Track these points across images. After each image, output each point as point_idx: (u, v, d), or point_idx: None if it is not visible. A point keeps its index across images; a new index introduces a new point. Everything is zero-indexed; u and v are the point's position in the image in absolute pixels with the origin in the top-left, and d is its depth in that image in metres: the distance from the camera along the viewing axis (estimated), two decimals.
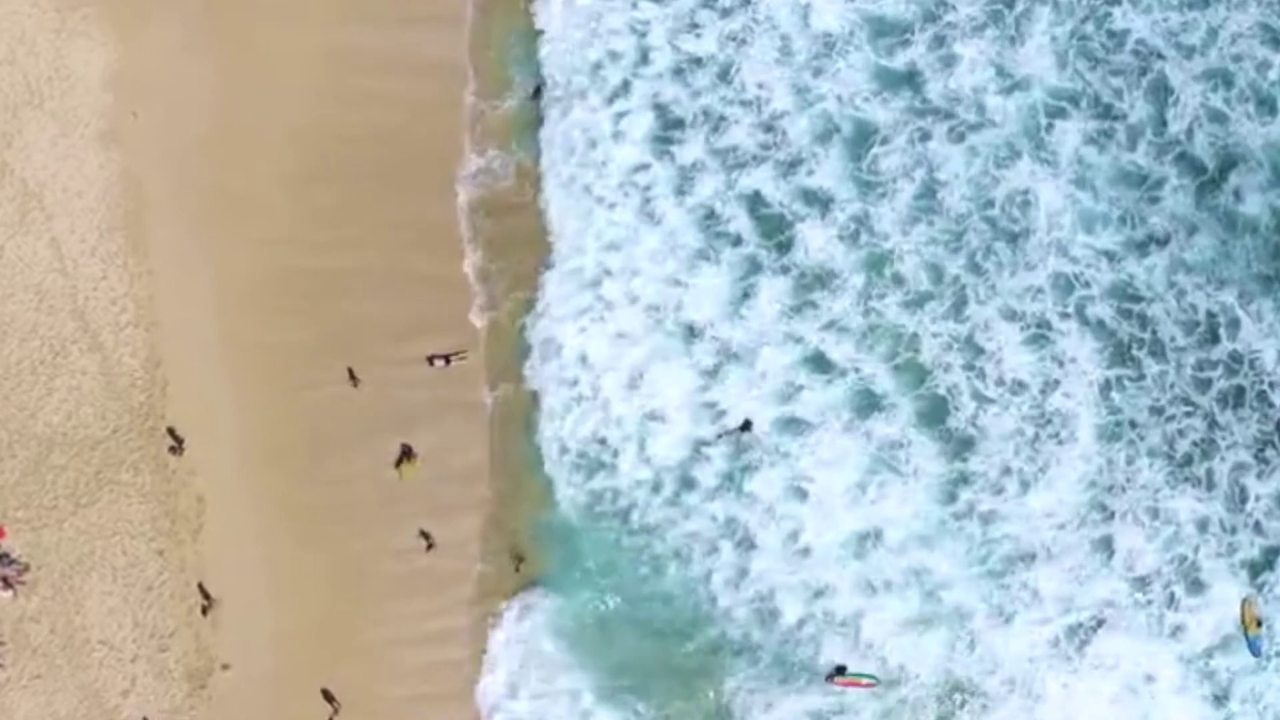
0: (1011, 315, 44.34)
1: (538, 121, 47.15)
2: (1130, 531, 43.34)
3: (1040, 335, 44.26)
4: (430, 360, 45.50)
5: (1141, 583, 43.25)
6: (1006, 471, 43.89)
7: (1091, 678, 43.25)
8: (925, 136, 45.45)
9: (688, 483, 45.40)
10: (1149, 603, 43.11)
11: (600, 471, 45.68)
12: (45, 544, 43.72)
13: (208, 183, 45.33)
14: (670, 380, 45.76)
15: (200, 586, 44.13)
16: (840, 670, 43.81)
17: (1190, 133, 44.10)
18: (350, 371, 44.87)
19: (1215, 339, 43.45)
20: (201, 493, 44.49)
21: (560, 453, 45.75)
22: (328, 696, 44.26)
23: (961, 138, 45.20)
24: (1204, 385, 43.57)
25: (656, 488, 45.41)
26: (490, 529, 45.42)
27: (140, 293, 44.88)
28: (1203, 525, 43.21)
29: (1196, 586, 43.01)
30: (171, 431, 44.61)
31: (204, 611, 44.16)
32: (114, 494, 44.16)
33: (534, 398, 46.01)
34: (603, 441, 45.71)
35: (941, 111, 45.48)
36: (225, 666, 44.22)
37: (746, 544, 44.88)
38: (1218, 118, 44.11)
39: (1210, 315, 43.56)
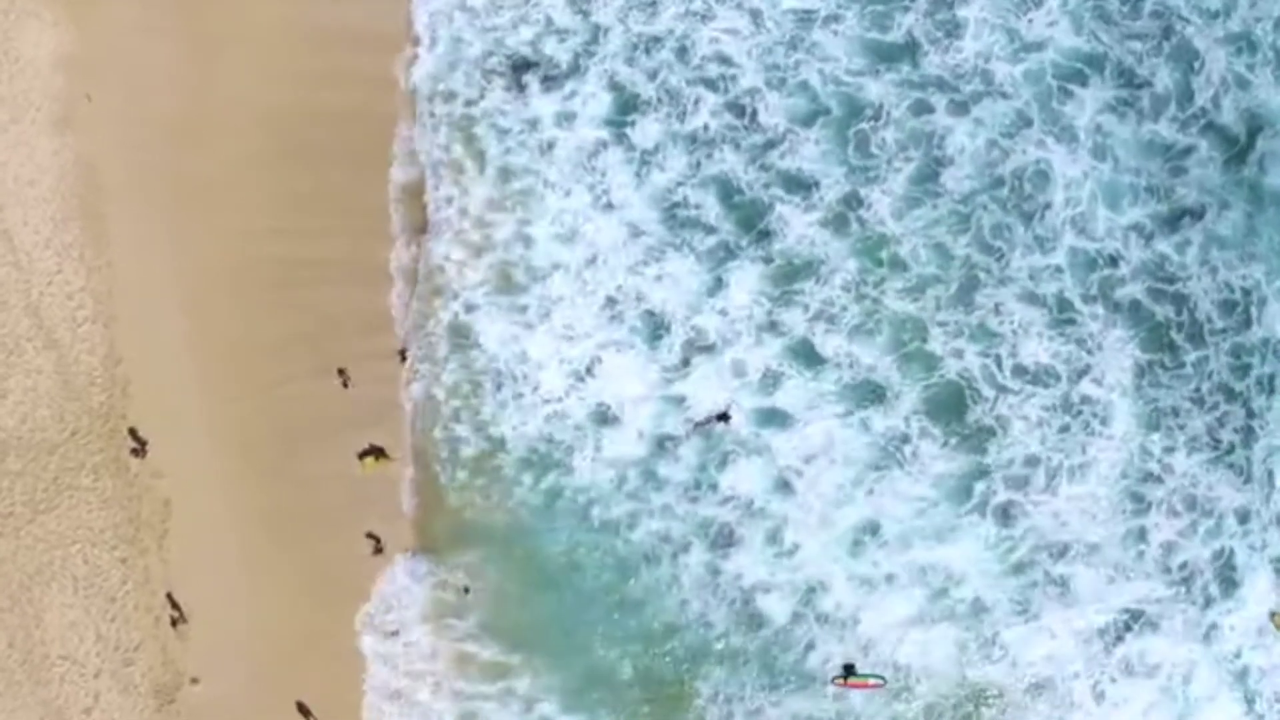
0: (1030, 298, 43.30)
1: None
2: (1166, 524, 42.49)
3: (1063, 318, 43.17)
4: (402, 354, 44.27)
5: (1177, 578, 42.46)
6: (1031, 462, 42.76)
7: (1124, 680, 42.45)
8: (925, 110, 44.02)
9: (654, 479, 43.69)
10: (1185, 599, 42.35)
11: (553, 470, 43.90)
12: (2, 554, 42.67)
13: (168, 169, 44.10)
14: (631, 374, 44.08)
15: (170, 597, 43.24)
16: (848, 671, 42.58)
17: (1217, 100, 43.23)
18: (341, 371, 43.72)
19: (1248, 320, 42.76)
20: (166, 497, 43.40)
21: (500, 450, 43.98)
22: (303, 710, 43.20)
23: (966, 110, 43.83)
24: (1241, 369, 42.79)
25: (619, 484, 43.75)
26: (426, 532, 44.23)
27: (98, 286, 43.76)
28: (1243, 517, 42.44)
29: (1231, 583, 42.35)
30: (133, 433, 43.43)
31: (173, 623, 43.22)
32: (74, 500, 43.04)
33: (465, 395, 44.31)
34: (550, 439, 43.96)
35: (943, 83, 44.08)
36: (194, 680, 43.14)
37: (723, 542, 43.42)
38: (1241, 83, 43.22)
39: (1245, 293, 42.78)
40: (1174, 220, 43.10)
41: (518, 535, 43.74)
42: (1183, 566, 42.35)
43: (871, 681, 42.41)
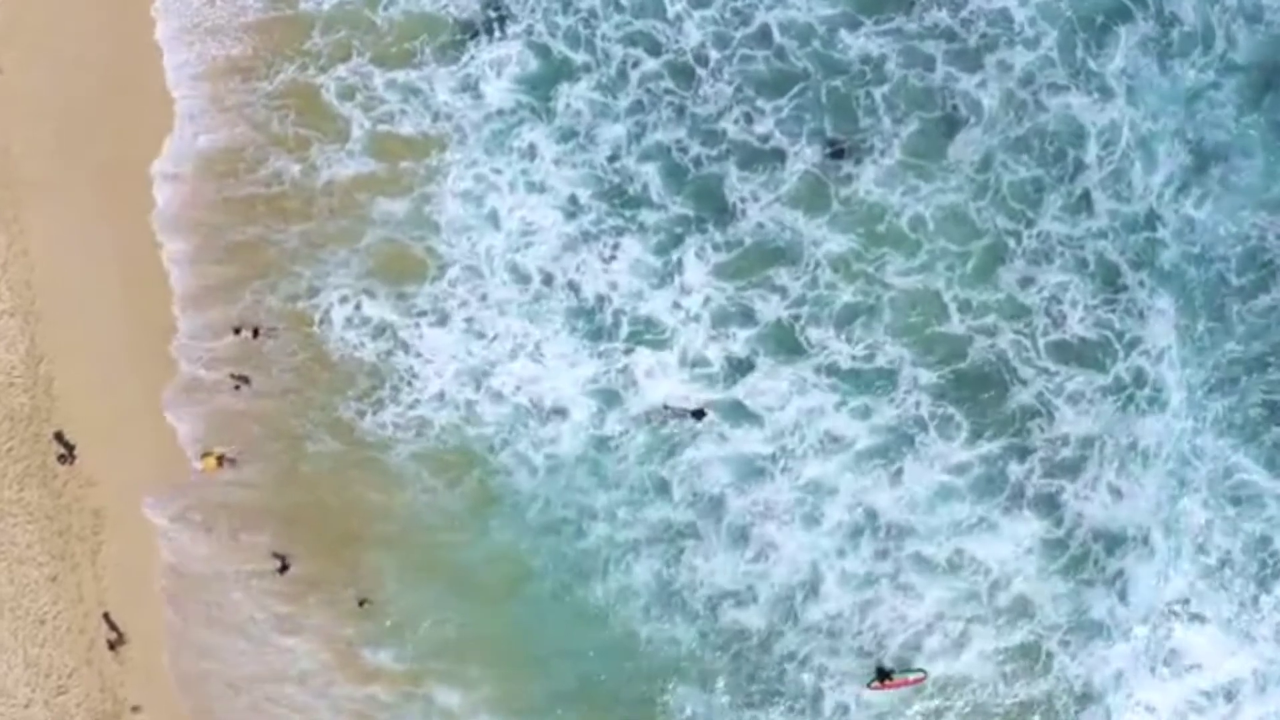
0: (1067, 267, 41.02)
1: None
2: (1209, 515, 41.03)
3: (1108, 287, 41.03)
4: (236, 331, 41.70)
5: (1224, 572, 41.03)
6: (1077, 445, 40.85)
7: (1172, 684, 41.09)
8: (922, 63, 41.23)
9: (601, 478, 41.45)
10: (1231, 595, 40.97)
11: (472, 469, 41.43)
12: None
13: (90, 149, 41.94)
14: (561, 369, 41.70)
15: (106, 617, 41.69)
16: (883, 674, 40.69)
17: (1232, 37, 41.12)
18: (233, 374, 41.70)
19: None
20: (98, 507, 41.69)
21: (387, 449, 41.34)
22: None
23: (979, 61, 41.21)
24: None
25: (566, 484, 41.45)
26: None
27: (15, 278, 41.79)
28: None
29: (1268, 579, 41.13)
30: (60, 437, 41.80)
31: (111, 646, 41.65)
32: None
33: (325, 389, 41.66)
34: (461, 434, 41.39)
35: (949, 31, 41.36)
36: (136, 709, 41.80)
37: (691, 545, 41.38)
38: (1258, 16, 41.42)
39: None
40: (1212, 172, 40.89)
41: (435, 542, 41.42)
42: (1226, 561, 40.89)
43: (912, 678, 40.72)
